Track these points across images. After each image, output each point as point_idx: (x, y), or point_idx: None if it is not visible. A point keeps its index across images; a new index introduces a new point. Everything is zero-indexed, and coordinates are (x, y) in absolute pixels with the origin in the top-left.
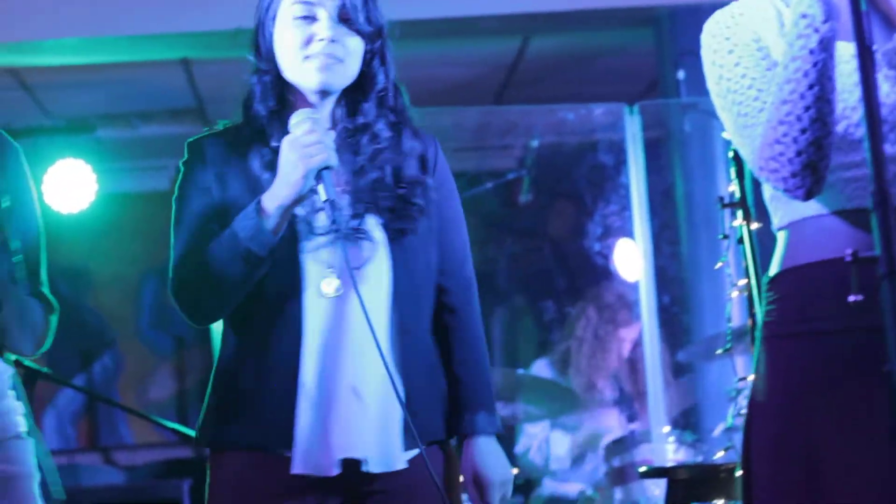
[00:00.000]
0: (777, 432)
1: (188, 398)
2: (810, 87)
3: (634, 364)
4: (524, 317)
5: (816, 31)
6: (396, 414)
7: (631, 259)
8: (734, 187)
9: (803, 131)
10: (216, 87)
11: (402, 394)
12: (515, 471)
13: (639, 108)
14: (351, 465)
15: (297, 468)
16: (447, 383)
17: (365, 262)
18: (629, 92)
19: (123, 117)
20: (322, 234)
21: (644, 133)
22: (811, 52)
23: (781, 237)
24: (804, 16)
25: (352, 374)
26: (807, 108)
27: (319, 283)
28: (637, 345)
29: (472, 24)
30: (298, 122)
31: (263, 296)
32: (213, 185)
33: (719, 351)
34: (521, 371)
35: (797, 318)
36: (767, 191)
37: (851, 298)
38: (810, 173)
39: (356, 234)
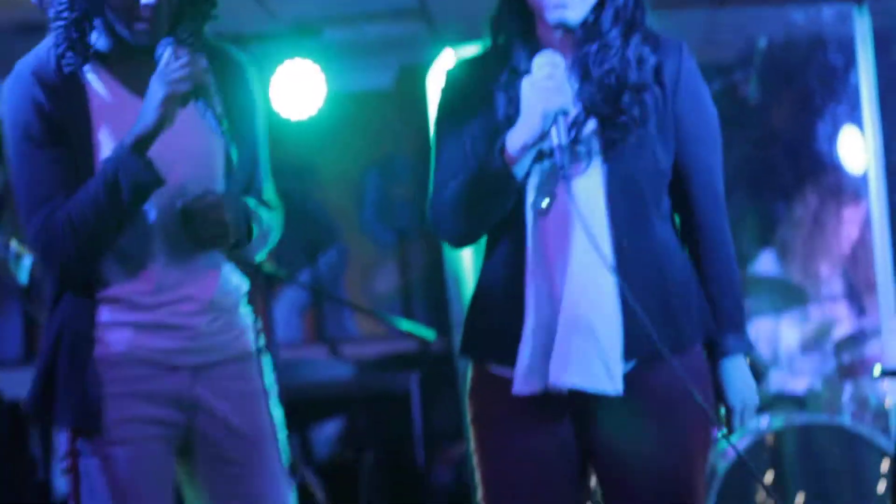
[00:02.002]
0: None
1: (413, 291)
2: None
3: (862, 256)
4: (751, 215)
5: None
6: (618, 330)
7: (856, 149)
8: None
9: None
10: None
11: (621, 307)
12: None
13: (868, 7)
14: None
15: (519, 388)
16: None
17: (581, 173)
18: None
19: (348, 18)
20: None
21: (873, 29)
22: None
23: None
24: None
25: (577, 290)
26: None
27: (536, 197)
28: (865, 231)
29: None
30: (541, 64)
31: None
32: (463, 112)
33: None
34: (748, 269)
35: None
36: None
37: None
38: None
39: (574, 146)
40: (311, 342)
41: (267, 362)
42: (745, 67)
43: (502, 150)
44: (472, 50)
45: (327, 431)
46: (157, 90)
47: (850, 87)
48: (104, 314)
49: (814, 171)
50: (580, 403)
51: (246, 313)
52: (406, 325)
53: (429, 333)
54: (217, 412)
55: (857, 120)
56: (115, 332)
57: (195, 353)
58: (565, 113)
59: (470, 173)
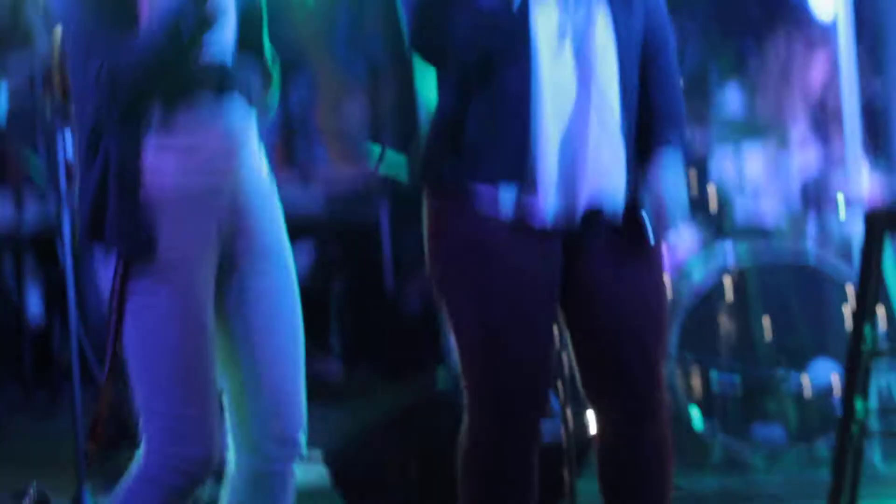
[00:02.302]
0: None
1: (383, 122)
2: None
3: (829, 93)
4: (719, 50)
5: None
6: (620, 164)
7: None
8: None
9: None
10: None
11: (627, 147)
12: (710, 189)
13: None
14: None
15: (541, 218)
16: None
17: (593, 22)
18: None
19: None
20: None
21: None
22: None
23: None
24: None
25: (584, 127)
26: None
27: (551, 43)
28: (831, 79)
29: None
30: None
31: (494, 49)
32: None
33: None
34: (713, 100)
35: None
36: None
37: None
38: None
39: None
40: (282, 167)
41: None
42: None
43: None
44: None
45: (297, 260)
46: None
47: None
48: (150, 147)
49: (782, 10)
50: (575, 235)
51: (261, 145)
52: (377, 154)
53: (402, 173)
54: (252, 234)
55: None
56: (162, 162)
57: (234, 182)
58: None
59: None
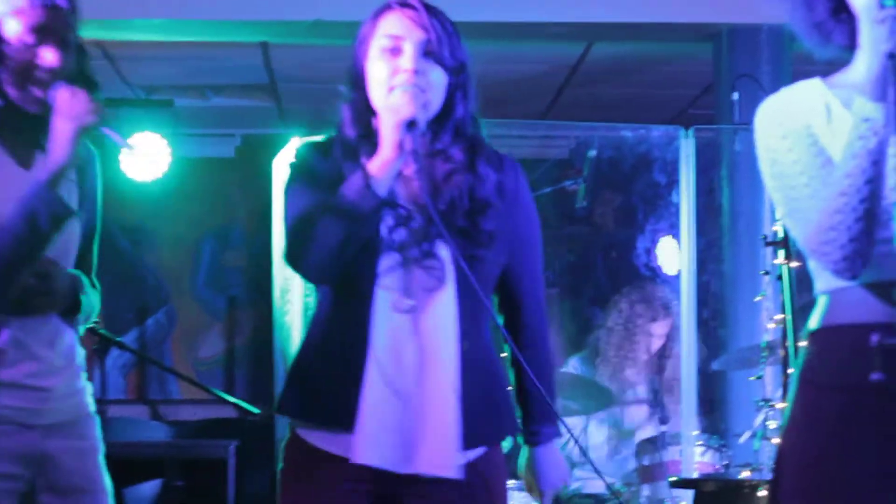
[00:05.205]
0: (808, 483)
1: (237, 357)
2: (867, 182)
3: (666, 364)
4: (567, 318)
5: (876, 133)
6: (454, 424)
7: (672, 257)
8: (777, 227)
9: (857, 220)
10: (290, 67)
11: (460, 406)
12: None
13: (693, 132)
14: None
15: (359, 457)
16: (515, 393)
17: (434, 286)
18: (684, 95)
19: (198, 88)
20: (397, 251)
21: (697, 155)
22: (869, 151)
23: (822, 300)
24: (866, 119)
25: (415, 386)
26: (862, 201)
27: (391, 300)
28: (670, 341)
29: (540, 28)
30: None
31: (341, 303)
32: (313, 187)
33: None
34: (560, 369)
35: (835, 370)
36: (811, 261)
37: (874, 377)
38: (859, 257)
39: (427, 258)
40: (133, 402)
41: (98, 423)
42: (576, 176)
43: (364, 172)
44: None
45: (142, 492)
46: (63, 127)
47: (672, 204)
48: None
49: (630, 281)
50: (393, 485)
51: (84, 376)
52: (231, 398)
53: (253, 408)
54: (62, 467)
55: (675, 235)
56: None
57: (48, 414)
58: (415, 122)
59: (327, 204)
